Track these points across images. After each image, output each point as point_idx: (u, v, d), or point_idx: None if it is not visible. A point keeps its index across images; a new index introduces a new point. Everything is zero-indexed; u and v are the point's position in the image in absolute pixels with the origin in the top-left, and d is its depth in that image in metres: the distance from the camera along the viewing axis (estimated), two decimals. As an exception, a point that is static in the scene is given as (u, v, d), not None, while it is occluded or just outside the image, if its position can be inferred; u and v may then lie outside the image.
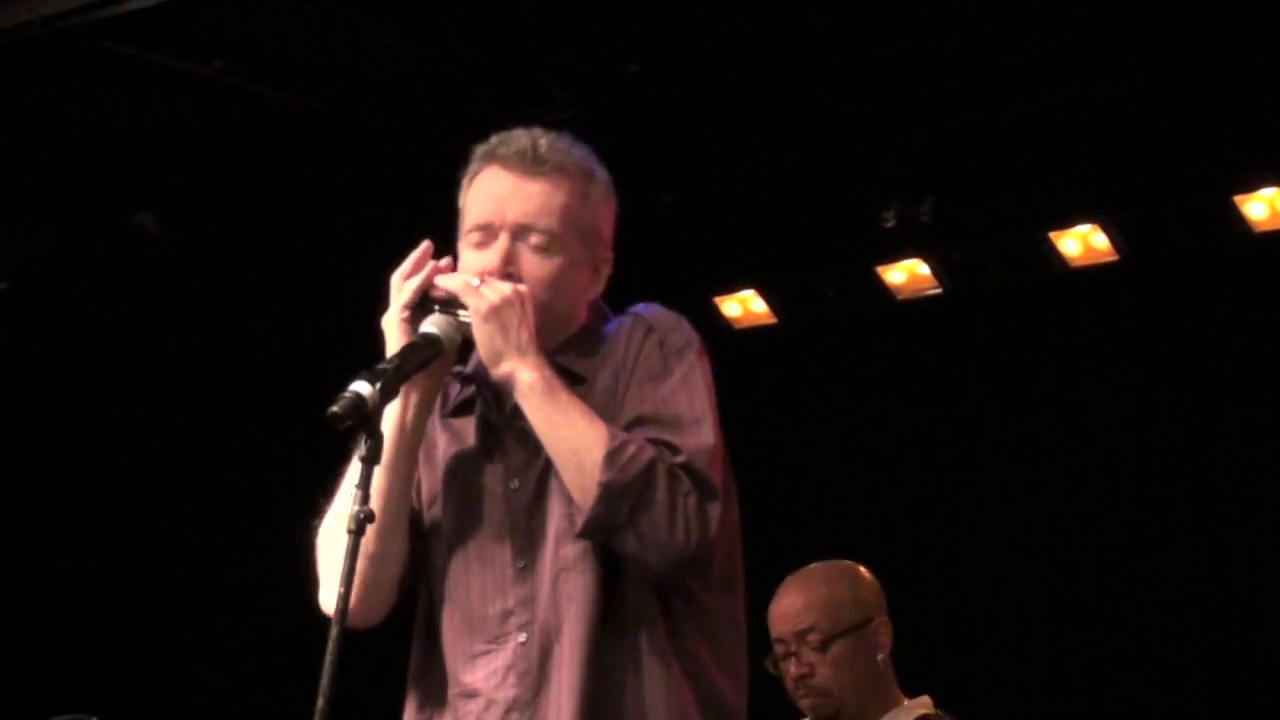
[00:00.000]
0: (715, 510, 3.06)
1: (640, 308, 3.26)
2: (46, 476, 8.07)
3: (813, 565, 4.81)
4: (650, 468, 3.02)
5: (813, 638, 4.61)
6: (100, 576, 8.18)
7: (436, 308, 3.14)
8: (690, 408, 3.12)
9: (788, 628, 4.65)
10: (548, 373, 3.08)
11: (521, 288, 3.12)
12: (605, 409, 3.14)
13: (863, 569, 4.78)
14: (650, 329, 3.20)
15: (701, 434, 3.10)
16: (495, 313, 3.08)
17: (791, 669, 4.63)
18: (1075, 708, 7.08)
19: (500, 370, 3.09)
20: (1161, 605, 6.97)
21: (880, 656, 4.63)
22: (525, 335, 3.08)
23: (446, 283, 3.14)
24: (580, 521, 3.05)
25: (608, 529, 3.03)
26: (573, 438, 3.05)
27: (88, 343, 7.91)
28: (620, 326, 3.23)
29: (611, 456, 3.01)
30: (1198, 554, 6.95)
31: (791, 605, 4.67)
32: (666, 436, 3.08)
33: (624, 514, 3.01)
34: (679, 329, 3.21)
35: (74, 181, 7.02)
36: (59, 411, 8.06)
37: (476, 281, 3.12)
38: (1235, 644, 6.86)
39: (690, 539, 3.03)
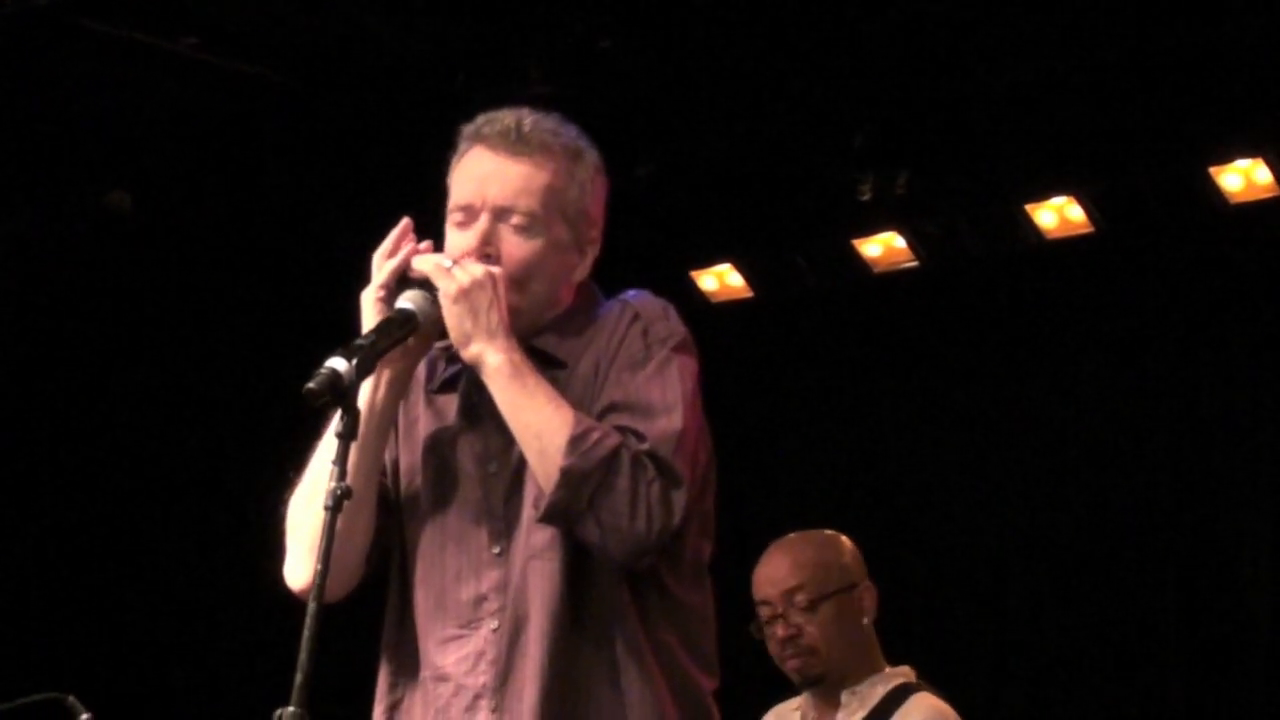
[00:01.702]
0: (679, 498, 3.03)
1: (630, 294, 3.24)
2: (16, 456, 8.04)
3: (795, 533, 4.87)
4: (614, 454, 2.99)
5: (800, 598, 4.66)
6: (74, 555, 8.16)
7: (414, 285, 3.14)
8: (662, 396, 3.10)
9: (774, 590, 4.70)
10: (516, 356, 3.06)
11: (495, 269, 3.10)
12: (585, 394, 3.13)
13: (844, 538, 4.84)
14: (636, 317, 3.18)
15: (670, 421, 3.07)
16: (465, 295, 3.06)
17: (779, 631, 4.68)
18: (1053, 684, 7.09)
19: (469, 352, 3.07)
20: (1141, 578, 6.98)
21: (865, 620, 4.69)
22: (495, 318, 3.06)
23: (420, 265, 3.12)
24: (541, 507, 3.03)
25: (568, 515, 3.01)
26: (537, 422, 3.02)
27: (60, 322, 7.88)
28: (608, 312, 3.21)
29: (575, 442, 2.99)
30: (1177, 527, 6.96)
31: (779, 568, 4.72)
32: (634, 423, 3.06)
33: (584, 500, 2.99)
34: (665, 319, 3.19)
35: (47, 160, 7.00)
36: (30, 391, 8.04)
37: (449, 263, 3.10)
38: (1215, 616, 6.87)
39: (652, 527, 3.00)
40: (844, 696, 4.64)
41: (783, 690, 4.87)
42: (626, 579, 3.09)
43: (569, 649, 3.07)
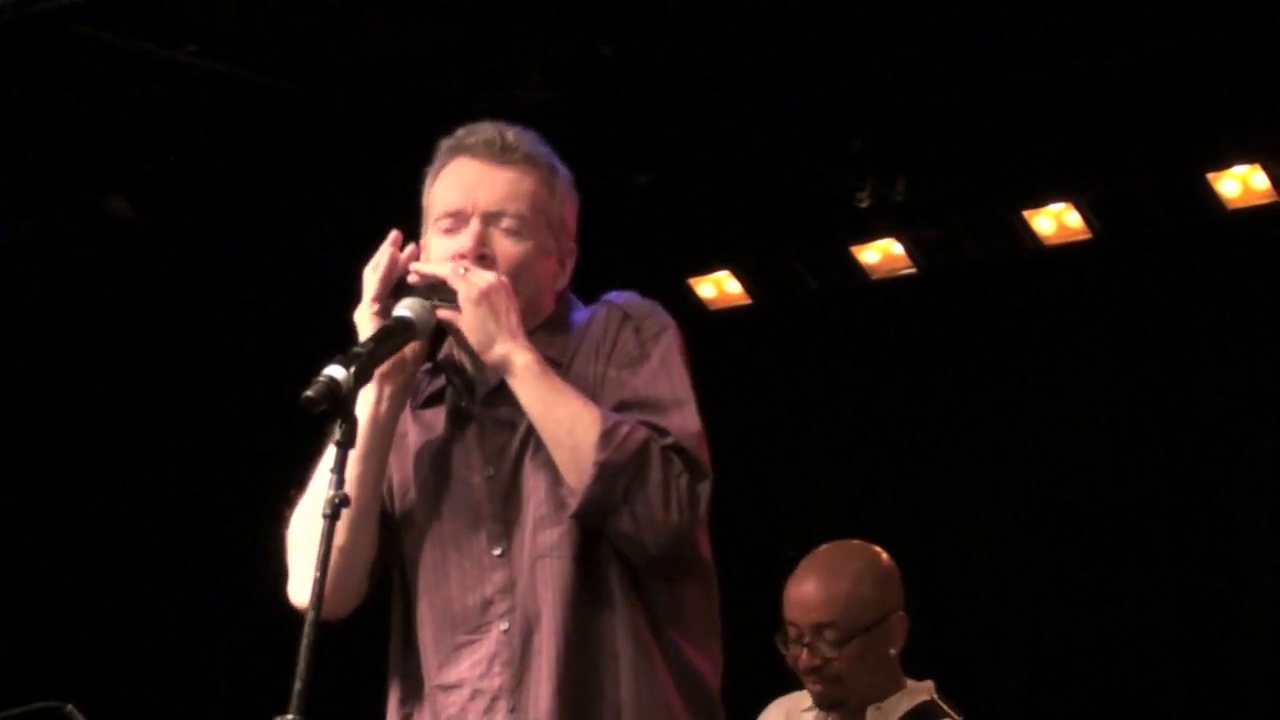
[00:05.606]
0: (705, 490, 3.09)
1: (613, 295, 3.28)
2: (13, 462, 8.04)
3: (834, 547, 4.71)
4: (644, 447, 3.04)
5: (831, 634, 4.52)
6: (71, 562, 8.16)
7: (410, 294, 3.14)
8: (671, 390, 3.15)
9: (806, 618, 4.55)
10: (538, 355, 3.10)
11: (503, 277, 3.13)
12: (583, 394, 3.13)
13: (884, 555, 4.67)
14: (626, 316, 3.22)
15: (685, 417, 3.13)
16: (486, 297, 3.09)
17: (804, 658, 4.55)
18: (1052, 686, 7.10)
19: (494, 353, 3.10)
20: (1139, 583, 6.98)
21: (893, 651, 4.58)
22: (515, 319, 3.10)
23: (432, 269, 3.15)
24: (574, 502, 3.06)
25: (604, 508, 3.04)
26: (568, 417, 3.06)
27: (58, 327, 7.88)
28: (594, 314, 3.25)
29: (606, 436, 3.03)
30: (1174, 532, 6.96)
31: (813, 596, 4.56)
32: (652, 419, 3.10)
33: (620, 493, 3.03)
34: (654, 314, 3.23)
35: (46, 165, 7.00)
36: (28, 395, 8.04)
37: (463, 269, 3.12)
38: (1213, 620, 6.88)
39: (683, 518, 3.05)
40: (870, 713, 4.58)
41: (780, 689, 4.86)
42: (633, 577, 3.12)
43: (580, 645, 3.10)
